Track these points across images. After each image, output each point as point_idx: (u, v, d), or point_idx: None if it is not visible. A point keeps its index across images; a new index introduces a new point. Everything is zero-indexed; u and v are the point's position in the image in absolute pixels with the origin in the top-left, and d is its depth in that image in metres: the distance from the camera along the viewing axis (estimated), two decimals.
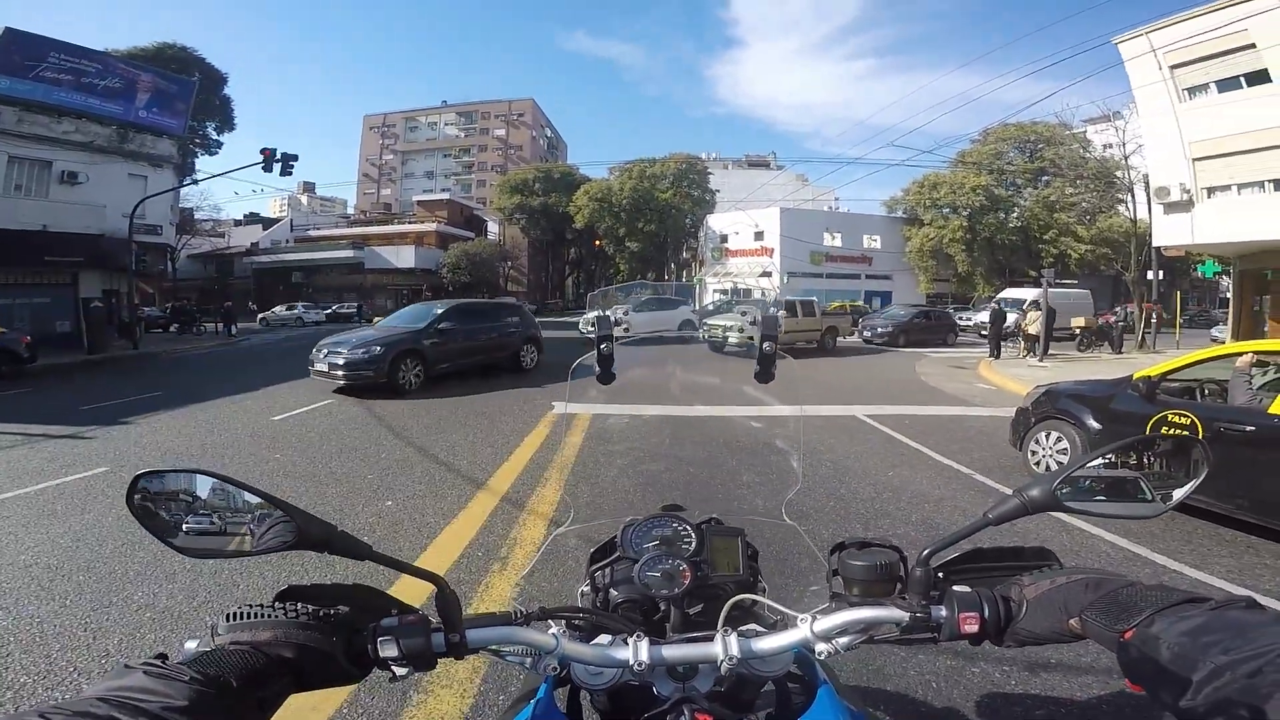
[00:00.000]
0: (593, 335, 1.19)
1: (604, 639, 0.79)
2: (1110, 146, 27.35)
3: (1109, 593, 0.66)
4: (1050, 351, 15.89)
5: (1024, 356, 16.09)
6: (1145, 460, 0.74)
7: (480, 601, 3.13)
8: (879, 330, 21.84)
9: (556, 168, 51.94)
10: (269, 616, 0.64)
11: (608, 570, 1.01)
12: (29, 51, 18.69)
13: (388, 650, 0.67)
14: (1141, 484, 0.74)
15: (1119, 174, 25.21)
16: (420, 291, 39.28)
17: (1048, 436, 5.33)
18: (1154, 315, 19.82)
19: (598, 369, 1.17)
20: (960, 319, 26.15)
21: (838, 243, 40.32)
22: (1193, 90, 16.52)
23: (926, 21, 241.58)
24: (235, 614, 0.64)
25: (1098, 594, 0.66)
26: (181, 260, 36.73)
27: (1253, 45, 14.90)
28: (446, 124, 74.56)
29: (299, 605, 0.67)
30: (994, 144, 38.22)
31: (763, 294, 37.30)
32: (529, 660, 0.75)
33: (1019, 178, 38.06)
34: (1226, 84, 15.88)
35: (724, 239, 41.83)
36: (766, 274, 38.63)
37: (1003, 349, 16.42)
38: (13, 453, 6.26)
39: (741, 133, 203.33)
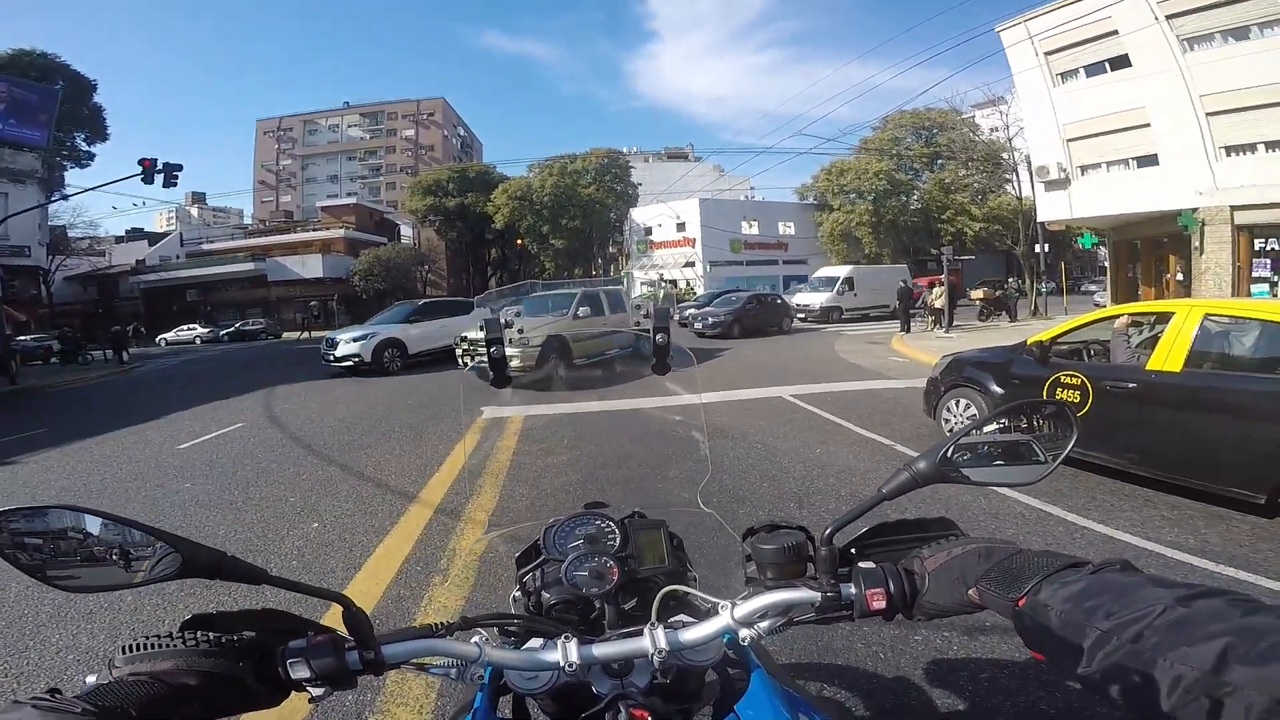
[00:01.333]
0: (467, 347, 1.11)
1: (535, 642, 0.78)
2: (996, 130, 29.44)
3: (1000, 561, 0.66)
4: (955, 323, 16.98)
5: (931, 329, 17.11)
6: (1034, 423, 0.76)
7: (424, 614, 3.06)
8: (711, 321, 18.39)
9: (471, 167, 50.42)
10: (169, 646, 0.62)
11: (538, 573, 0.99)
12: None
13: (299, 671, 0.65)
14: (1034, 446, 0.75)
15: (1005, 155, 27.18)
16: (329, 302, 37.23)
17: (958, 404, 5.62)
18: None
19: (491, 374, 1.14)
20: (796, 303, 23.18)
21: (755, 230, 41.41)
22: (1065, 75, 17.96)
23: (825, 14, 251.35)
24: (132, 645, 0.62)
25: (990, 563, 0.67)
26: (57, 283, 33.22)
27: (1115, 32, 16.31)
28: (350, 126, 70.79)
29: (200, 634, 0.64)
30: (893, 130, 40.18)
31: (674, 284, 37.73)
32: (454, 671, 0.75)
33: (917, 162, 40.24)
34: (1093, 69, 17.36)
35: (648, 231, 42.09)
36: (690, 264, 39.19)
37: (912, 323, 17.38)
38: None
39: (660, 126, 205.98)
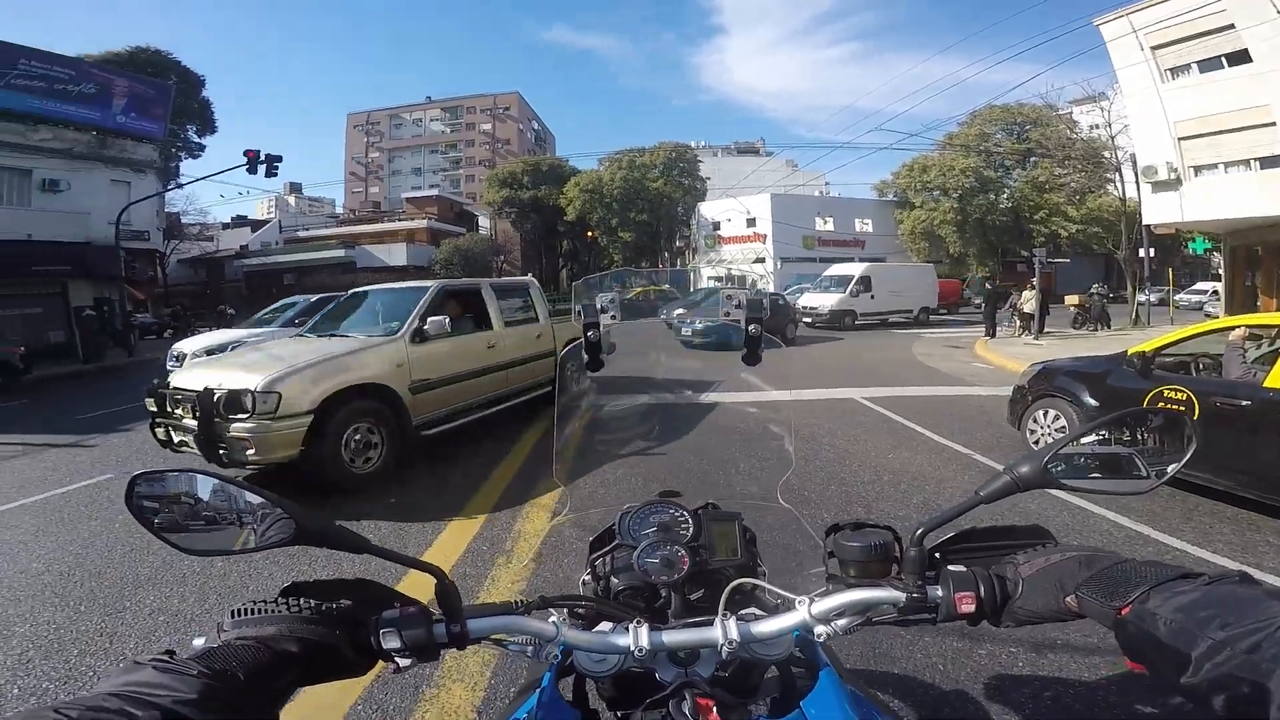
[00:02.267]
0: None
1: (605, 626, 0.80)
2: (1096, 127, 27.37)
3: (1103, 569, 0.66)
4: (1046, 329, 16.02)
5: (1019, 335, 16.22)
6: (1139, 436, 0.75)
7: (486, 594, 3.17)
8: (699, 327, 14.52)
9: (545, 160, 51.52)
10: (273, 612, 0.65)
11: (608, 558, 1.00)
12: None
13: (390, 642, 0.68)
14: (1135, 460, 0.74)
15: (1106, 154, 25.25)
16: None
17: (1045, 414, 5.39)
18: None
19: (586, 357, 1.15)
20: (803, 305, 20.63)
21: (830, 227, 40.29)
22: (1175, 70, 16.55)
23: (902, 8, 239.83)
24: (240, 610, 0.65)
25: (1092, 571, 0.66)
26: (171, 265, 36.44)
27: (1231, 26, 14.91)
28: (432, 120, 73.82)
29: (302, 600, 0.67)
30: (981, 126, 38.15)
31: (750, 279, 37.29)
32: (530, 649, 0.76)
33: (1007, 159, 38.03)
34: (1208, 64, 15.92)
35: (716, 226, 41.73)
36: (760, 259, 38.59)
37: (998, 328, 16.52)
38: (15, 463, 6.26)
39: (729, 120, 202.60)
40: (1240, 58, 15.07)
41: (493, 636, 0.75)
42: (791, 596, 0.78)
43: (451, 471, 5.43)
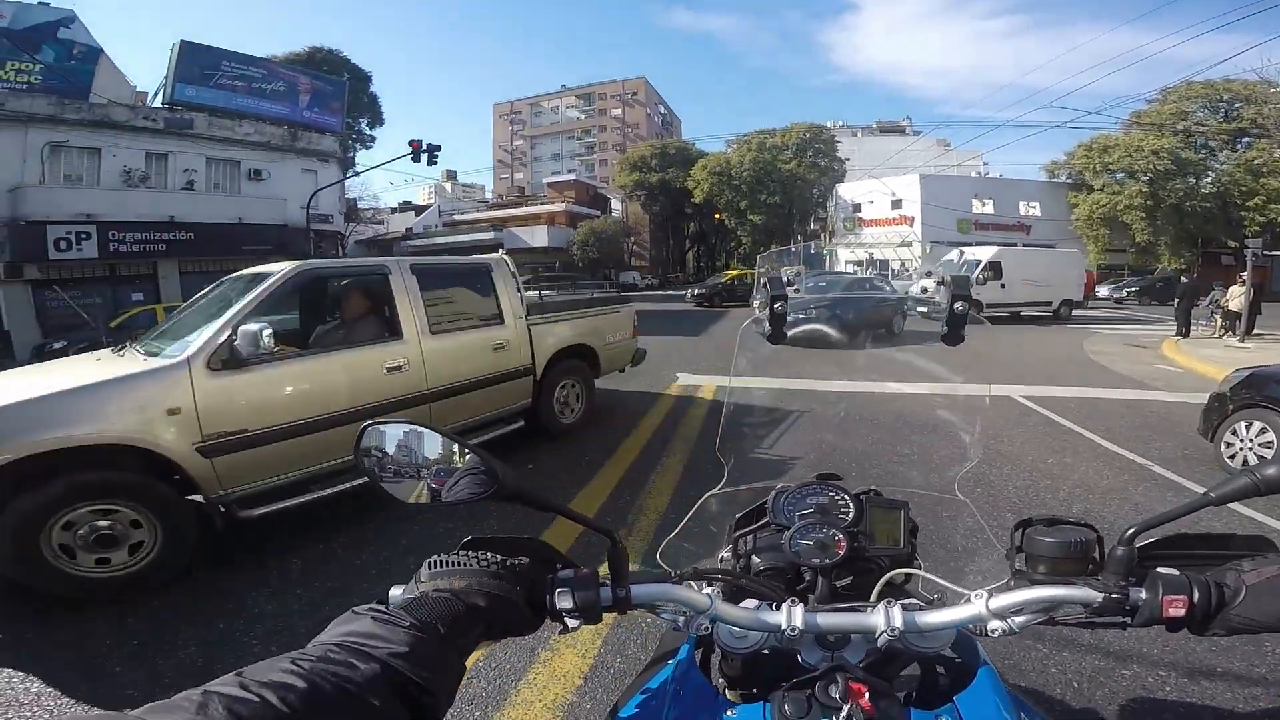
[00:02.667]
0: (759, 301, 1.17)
1: (751, 604, 0.79)
2: None
3: None
4: (1255, 331, 13.66)
5: (1221, 335, 13.97)
6: None
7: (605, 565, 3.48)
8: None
9: (672, 143, 51.74)
10: (464, 565, 0.68)
11: (751, 537, 0.99)
12: (205, 62, 21.50)
13: (564, 602, 0.69)
14: None
15: None
16: (553, 268, 41.37)
17: (1248, 427, 4.77)
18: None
19: (769, 328, 1.14)
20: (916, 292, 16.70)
21: (989, 210, 36.75)
22: None
23: None
24: (435, 562, 0.68)
25: None
26: (350, 245, 41.36)
27: None
28: (567, 107, 76.83)
29: (488, 554, 0.70)
30: (1177, 104, 33.04)
31: (901, 265, 35.13)
32: (681, 619, 0.76)
33: (1212, 139, 32.50)
34: None
35: (857, 208, 39.66)
36: (907, 244, 36.20)
37: (1192, 327, 14.34)
38: None
39: (867, 100, 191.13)
40: None
41: (651, 604, 0.75)
42: (962, 590, 0.76)
43: (576, 446, 5.64)
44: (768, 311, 1.12)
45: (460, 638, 0.60)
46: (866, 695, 0.65)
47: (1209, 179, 32.42)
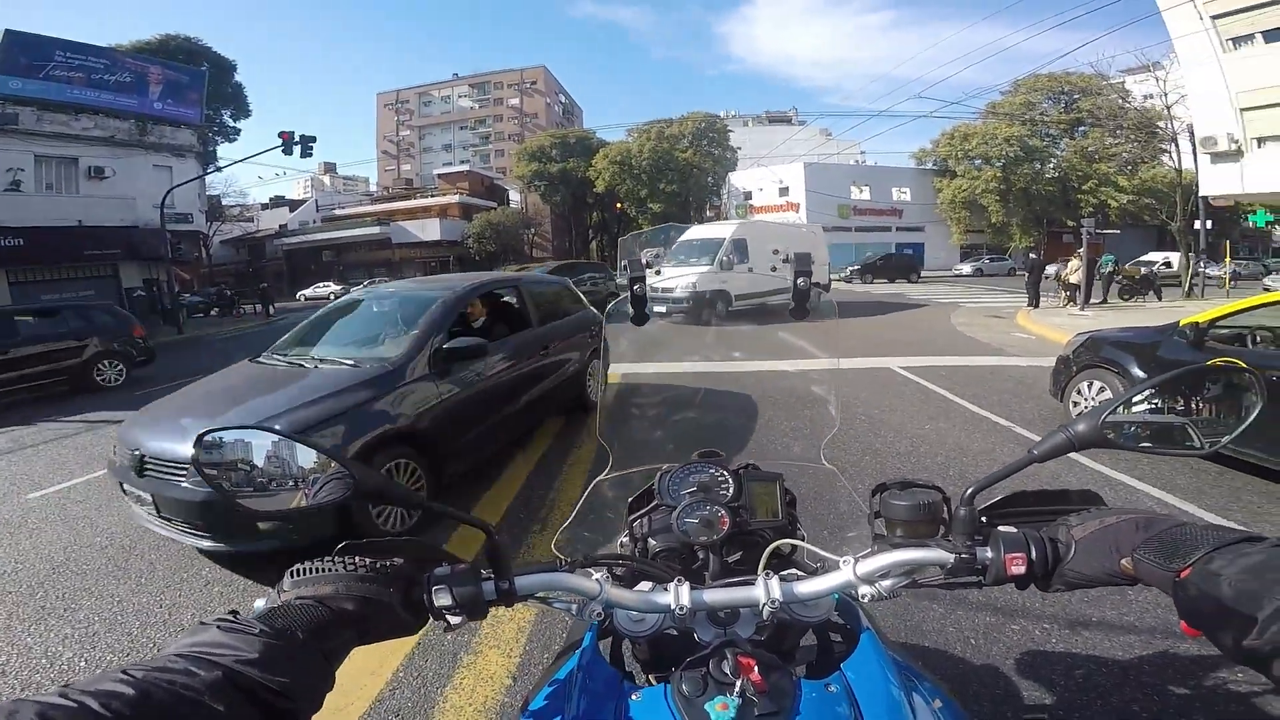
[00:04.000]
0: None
1: (645, 586, 0.79)
2: (1151, 97, 25.84)
3: (1161, 532, 0.64)
4: (1092, 300, 15.40)
5: (1065, 305, 15.63)
6: (1193, 404, 0.72)
7: (528, 555, 3.30)
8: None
9: (573, 133, 51.26)
10: (330, 571, 0.66)
11: (646, 519, 1.00)
12: (34, 52, 19.15)
13: (442, 599, 0.68)
14: (1189, 430, 0.72)
15: (1161, 124, 23.83)
16: (448, 263, 39.66)
17: (1090, 386, 5.21)
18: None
19: (630, 311, 1.15)
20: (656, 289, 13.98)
21: (866, 196, 39.31)
22: (1237, 40, 15.71)
23: None
24: (298, 570, 0.66)
25: (1149, 533, 0.65)
26: (215, 246, 37.60)
27: None
28: (460, 96, 73.99)
29: (358, 559, 0.68)
30: (1026, 95, 36.76)
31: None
32: (574, 607, 0.76)
33: (1054, 128, 36.43)
34: (1274, 34, 15.02)
35: (748, 196, 41.12)
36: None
37: (1041, 298, 15.95)
38: (77, 440, 6.59)
39: (759, 90, 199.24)
40: None
41: (539, 595, 0.75)
42: (835, 557, 0.77)
43: None
44: (628, 294, 1.12)
45: (324, 642, 0.60)
46: (756, 669, 0.66)
47: (1051, 164, 36.28)
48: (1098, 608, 2.56)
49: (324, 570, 0.66)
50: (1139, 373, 4.79)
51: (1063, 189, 35.62)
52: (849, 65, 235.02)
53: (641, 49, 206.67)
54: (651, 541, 0.97)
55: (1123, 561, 0.65)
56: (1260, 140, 15.75)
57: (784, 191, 38.67)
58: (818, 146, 45.57)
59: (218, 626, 0.55)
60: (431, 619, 0.70)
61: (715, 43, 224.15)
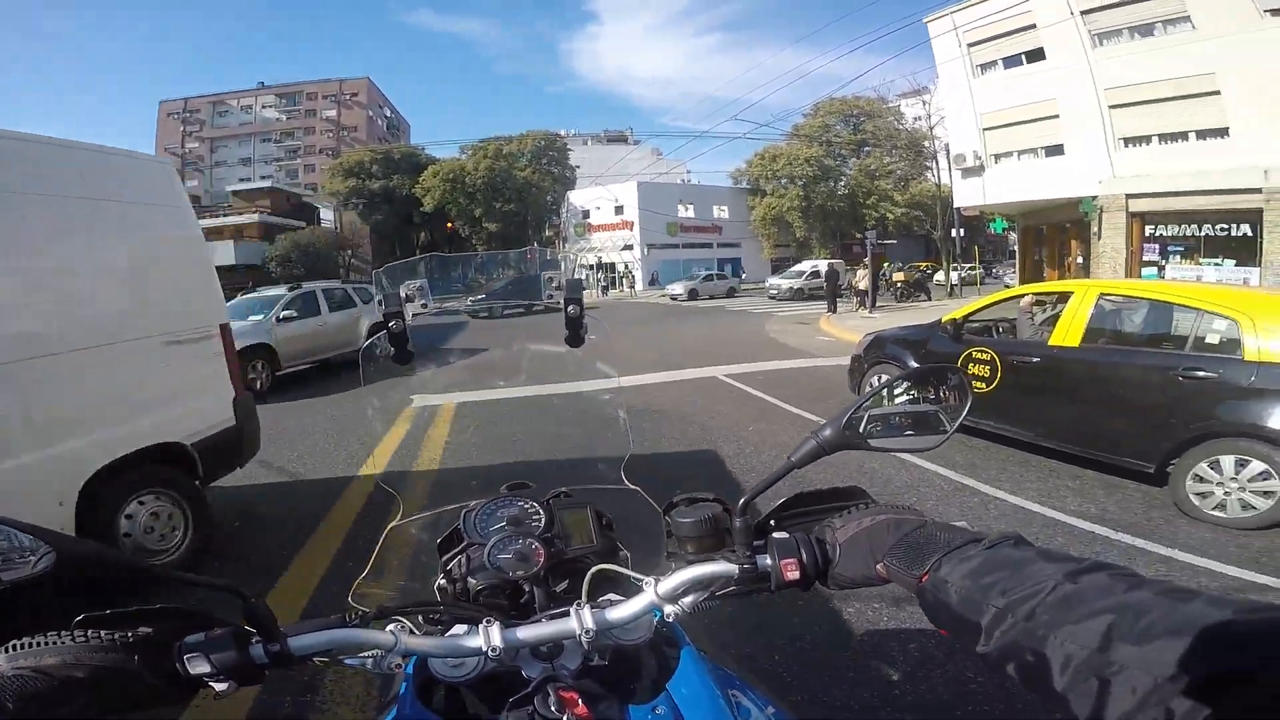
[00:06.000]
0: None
1: (460, 629, 0.77)
2: (919, 118, 30.52)
3: (907, 534, 0.66)
4: (879, 304, 17.70)
5: (857, 310, 17.79)
6: (941, 393, 0.77)
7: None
8: None
9: (397, 148, 48.47)
10: (57, 643, 0.58)
11: (463, 558, 0.96)
12: None
13: (198, 666, 0.62)
14: (940, 416, 0.77)
15: (926, 143, 28.30)
16: (244, 288, 35.05)
17: (879, 380, 5.77)
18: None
19: (392, 350, 1.08)
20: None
21: (691, 214, 41.63)
22: (984, 66, 18.61)
23: None
24: (16, 645, 0.58)
25: (898, 535, 0.66)
26: None
27: (1034, 26, 16.87)
28: (264, 107, 66.58)
29: (90, 631, 0.60)
30: (823, 117, 41.08)
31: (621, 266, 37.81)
32: (369, 662, 0.72)
33: (844, 149, 41.37)
34: (1011, 61, 17.97)
35: (586, 214, 41.64)
36: (629, 247, 39.05)
37: (838, 303, 18.07)
38: None
39: (599, 108, 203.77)
40: (1037, 55, 17.19)
41: (328, 653, 0.68)
42: (640, 578, 0.76)
43: (304, 485, 4.85)
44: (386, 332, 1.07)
45: (42, 713, 0.56)
46: (581, 701, 0.67)
47: (842, 183, 41.05)
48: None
49: (47, 644, 0.58)
50: (914, 365, 5.38)
51: (852, 205, 40.36)
52: (681, 85, 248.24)
53: (482, 63, 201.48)
54: (471, 581, 0.93)
55: (878, 566, 0.66)
56: (997, 156, 18.76)
57: (619, 210, 39.70)
58: (649, 165, 47.46)
59: None
60: (200, 686, 0.64)
61: (561, 60, 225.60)
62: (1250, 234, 13.24)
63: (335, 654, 0.71)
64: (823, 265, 23.52)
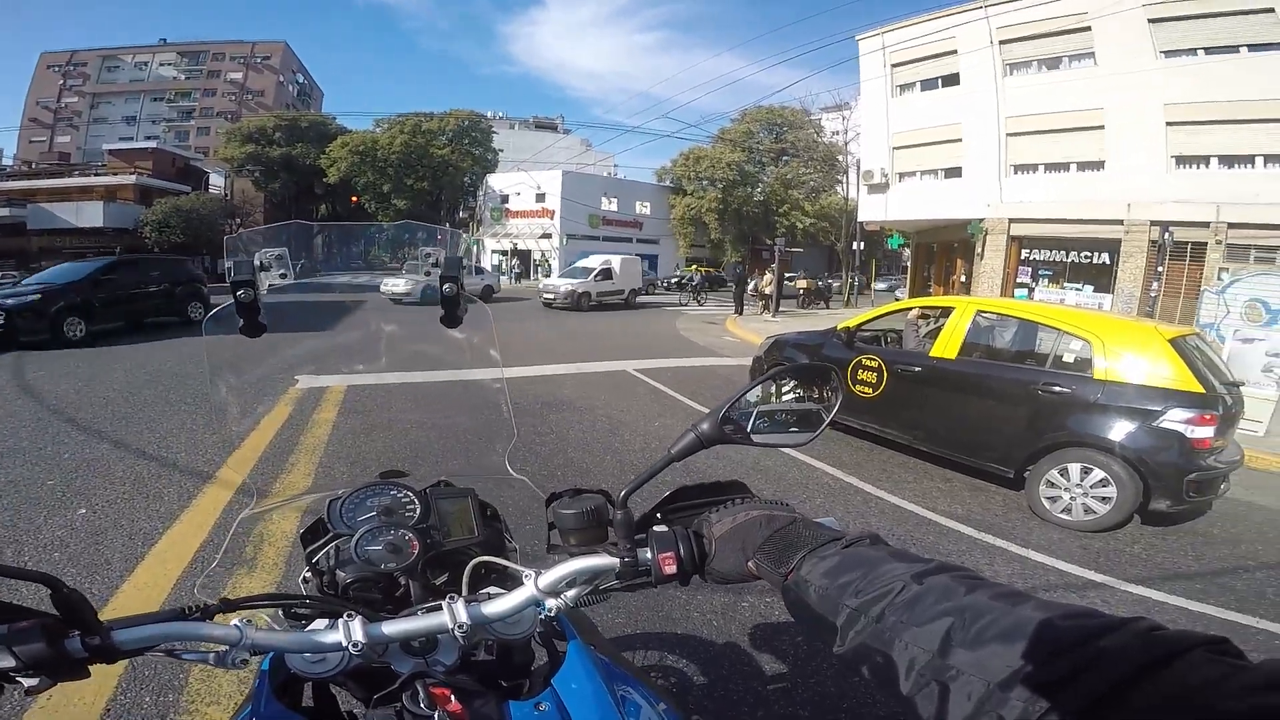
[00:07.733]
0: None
1: (321, 623, 0.74)
2: (837, 133, 31.84)
3: (776, 532, 0.65)
4: (781, 308, 18.49)
5: (762, 313, 18.46)
6: (823, 393, 0.78)
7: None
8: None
9: (305, 116, 45.31)
10: None
11: (332, 550, 0.91)
12: None
13: (1, 661, 0.57)
14: (821, 414, 0.78)
15: (840, 157, 29.60)
16: (113, 254, 31.44)
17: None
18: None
19: (240, 321, 0.97)
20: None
21: (614, 207, 41.49)
22: (904, 87, 19.53)
23: (716, 1, 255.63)
24: None
25: (769, 532, 0.66)
26: None
27: (954, 52, 17.79)
28: (162, 64, 60.49)
29: None
30: (749, 124, 42.12)
31: (541, 255, 37.19)
32: (212, 657, 0.66)
33: (765, 156, 42.65)
34: (929, 84, 18.89)
35: (505, 199, 40.44)
36: (547, 235, 38.41)
37: (745, 306, 18.68)
38: None
39: (531, 94, 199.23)
40: (952, 80, 18.15)
41: (161, 647, 0.63)
42: (520, 570, 0.75)
43: (165, 472, 4.34)
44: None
45: None
46: (454, 698, 0.66)
47: (759, 189, 42.31)
48: None
49: None
50: None
51: (765, 211, 41.65)
52: (617, 79, 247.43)
53: (409, 36, 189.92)
54: (340, 574, 0.88)
55: (749, 563, 0.66)
56: (902, 175, 19.82)
57: (541, 197, 38.88)
58: (576, 155, 46.81)
59: None
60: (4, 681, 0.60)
61: (498, 42, 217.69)
62: (1108, 262, 14.74)
63: (171, 648, 0.66)
64: (615, 261, 21.80)
